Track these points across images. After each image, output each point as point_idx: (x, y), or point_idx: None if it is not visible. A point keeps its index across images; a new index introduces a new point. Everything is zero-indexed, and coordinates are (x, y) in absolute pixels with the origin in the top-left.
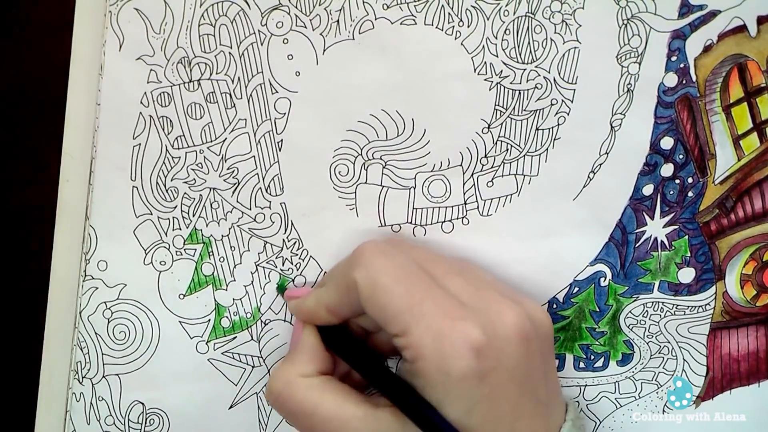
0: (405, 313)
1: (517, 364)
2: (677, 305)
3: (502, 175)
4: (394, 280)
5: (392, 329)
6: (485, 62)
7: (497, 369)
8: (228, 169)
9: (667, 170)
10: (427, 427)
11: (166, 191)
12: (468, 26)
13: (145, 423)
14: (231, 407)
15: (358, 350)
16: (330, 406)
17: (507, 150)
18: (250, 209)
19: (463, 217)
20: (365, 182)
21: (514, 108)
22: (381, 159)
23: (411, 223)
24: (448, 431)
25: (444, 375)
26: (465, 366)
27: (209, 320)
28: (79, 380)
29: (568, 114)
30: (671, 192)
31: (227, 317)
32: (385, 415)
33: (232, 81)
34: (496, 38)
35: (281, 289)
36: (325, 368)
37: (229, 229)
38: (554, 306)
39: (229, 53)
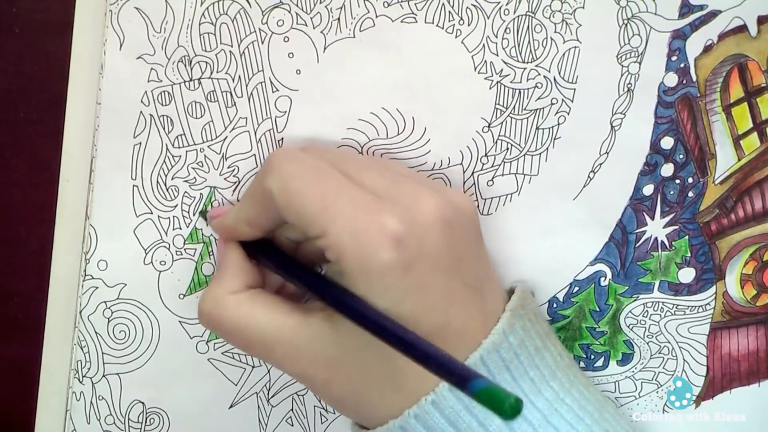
0: (320, 214)
1: (440, 250)
2: (677, 305)
3: (503, 174)
4: (307, 183)
5: (311, 232)
6: (485, 61)
7: (421, 257)
8: (228, 167)
9: (667, 170)
10: (359, 320)
11: (167, 190)
12: (468, 25)
13: (145, 422)
14: (231, 407)
15: (284, 259)
16: (261, 319)
17: (507, 149)
18: None
19: None
20: None
21: (514, 107)
22: (381, 157)
23: None
24: (378, 319)
25: (367, 270)
26: (386, 258)
27: None
28: (79, 379)
29: (568, 113)
30: (671, 192)
31: None
32: (316, 321)
33: (233, 79)
34: (497, 37)
35: (203, 213)
36: (253, 282)
37: None
38: (554, 305)
39: (230, 52)
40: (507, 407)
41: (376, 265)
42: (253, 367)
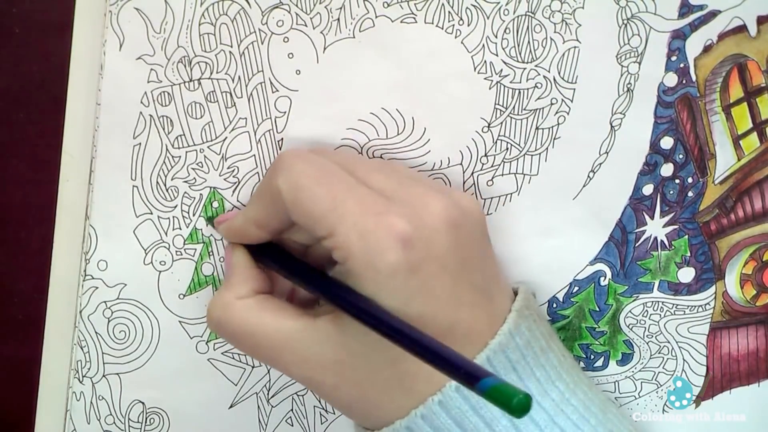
0: (329, 214)
1: (447, 252)
2: (677, 305)
3: (502, 174)
4: (316, 183)
5: (319, 232)
6: (485, 61)
7: (428, 259)
8: (228, 168)
9: (667, 170)
10: (367, 319)
11: (167, 190)
12: (468, 25)
13: (145, 422)
14: (231, 407)
15: (291, 261)
16: (269, 324)
17: (507, 149)
18: None
19: None
20: None
21: (513, 107)
22: (381, 158)
23: None
24: (386, 318)
25: (374, 271)
26: (394, 259)
27: None
28: (79, 379)
29: (567, 113)
30: (671, 192)
31: None
32: (324, 324)
33: (233, 80)
34: (496, 37)
35: (210, 220)
36: (261, 288)
37: None
38: (554, 305)
39: (230, 52)
40: (516, 404)
41: (384, 266)
42: (253, 367)
